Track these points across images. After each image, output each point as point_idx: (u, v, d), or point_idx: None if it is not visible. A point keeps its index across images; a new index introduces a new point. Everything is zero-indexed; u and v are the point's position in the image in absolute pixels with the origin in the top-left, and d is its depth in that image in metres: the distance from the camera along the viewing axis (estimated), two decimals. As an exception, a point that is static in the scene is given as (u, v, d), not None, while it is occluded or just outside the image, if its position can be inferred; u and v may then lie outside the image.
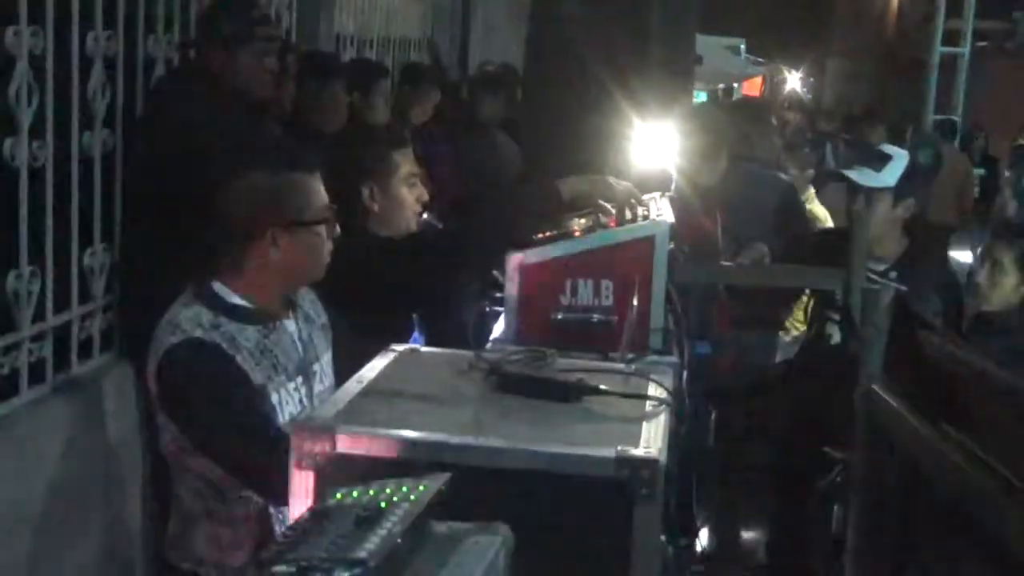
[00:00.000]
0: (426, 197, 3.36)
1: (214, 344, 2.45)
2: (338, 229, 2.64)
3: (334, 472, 1.74)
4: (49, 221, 3.57)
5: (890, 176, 4.32)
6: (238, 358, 2.47)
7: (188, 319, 2.47)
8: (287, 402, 2.55)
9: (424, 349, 2.51)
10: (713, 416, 3.43)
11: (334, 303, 2.86)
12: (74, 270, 3.74)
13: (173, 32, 4.32)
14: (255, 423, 2.44)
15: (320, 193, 2.59)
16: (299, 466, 1.88)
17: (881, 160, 4.47)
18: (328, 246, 2.60)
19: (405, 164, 3.32)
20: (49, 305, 3.60)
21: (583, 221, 2.76)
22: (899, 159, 4.45)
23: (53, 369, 3.66)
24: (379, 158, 3.28)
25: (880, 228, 4.24)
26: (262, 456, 2.29)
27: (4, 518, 3.18)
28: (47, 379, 3.62)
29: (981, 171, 12.18)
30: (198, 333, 2.45)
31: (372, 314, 2.89)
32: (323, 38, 6.20)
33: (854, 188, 4.28)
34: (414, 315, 3.32)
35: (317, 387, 2.69)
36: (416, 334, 3.27)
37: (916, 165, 4.56)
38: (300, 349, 2.66)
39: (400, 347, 2.43)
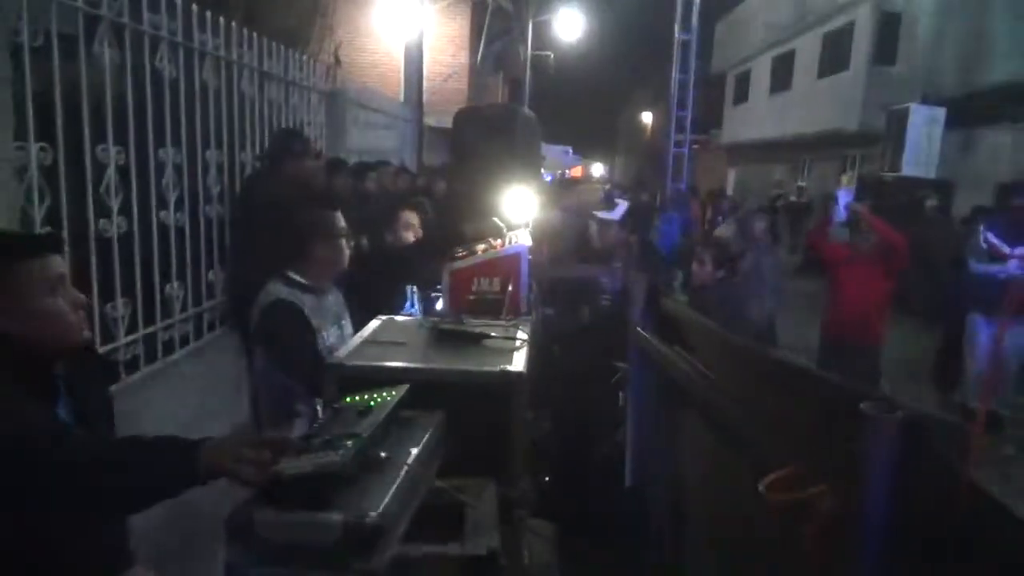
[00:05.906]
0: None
1: (291, 302, 2.39)
2: (352, 242, 2.56)
3: (346, 386, 1.72)
4: (188, 255, 3.48)
5: (616, 213, 4.44)
6: (304, 309, 2.40)
7: (276, 290, 2.42)
8: (330, 336, 2.46)
9: (397, 318, 2.50)
10: (555, 349, 3.42)
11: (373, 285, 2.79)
12: (203, 282, 3.66)
13: (256, 148, 4.25)
14: (313, 350, 2.37)
15: (341, 220, 2.52)
16: (329, 384, 1.86)
17: (612, 205, 4.65)
18: (347, 251, 2.52)
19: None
20: (190, 301, 3.53)
21: (483, 245, 2.76)
22: (622, 206, 4.63)
23: (193, 338, 3.58)
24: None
25: (613, 242, 4.32)
26: (311, 369, 2.23)
27: (172, 419, 3.09)
28: (190, 344, 3.55)
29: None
30: (282, 295, 2.40)
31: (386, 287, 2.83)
32: (341, 151, 6.07)
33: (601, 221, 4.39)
34: (412, 290, 3.14)
35: (347, 332, 2.60)
36: (410, 304, 3.14)
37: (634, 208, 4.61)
38: (336, 312, 2.59)
39: (384, 316, 2.42)
